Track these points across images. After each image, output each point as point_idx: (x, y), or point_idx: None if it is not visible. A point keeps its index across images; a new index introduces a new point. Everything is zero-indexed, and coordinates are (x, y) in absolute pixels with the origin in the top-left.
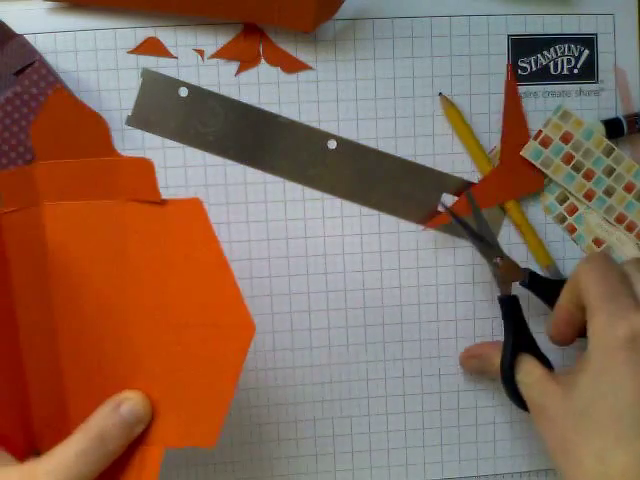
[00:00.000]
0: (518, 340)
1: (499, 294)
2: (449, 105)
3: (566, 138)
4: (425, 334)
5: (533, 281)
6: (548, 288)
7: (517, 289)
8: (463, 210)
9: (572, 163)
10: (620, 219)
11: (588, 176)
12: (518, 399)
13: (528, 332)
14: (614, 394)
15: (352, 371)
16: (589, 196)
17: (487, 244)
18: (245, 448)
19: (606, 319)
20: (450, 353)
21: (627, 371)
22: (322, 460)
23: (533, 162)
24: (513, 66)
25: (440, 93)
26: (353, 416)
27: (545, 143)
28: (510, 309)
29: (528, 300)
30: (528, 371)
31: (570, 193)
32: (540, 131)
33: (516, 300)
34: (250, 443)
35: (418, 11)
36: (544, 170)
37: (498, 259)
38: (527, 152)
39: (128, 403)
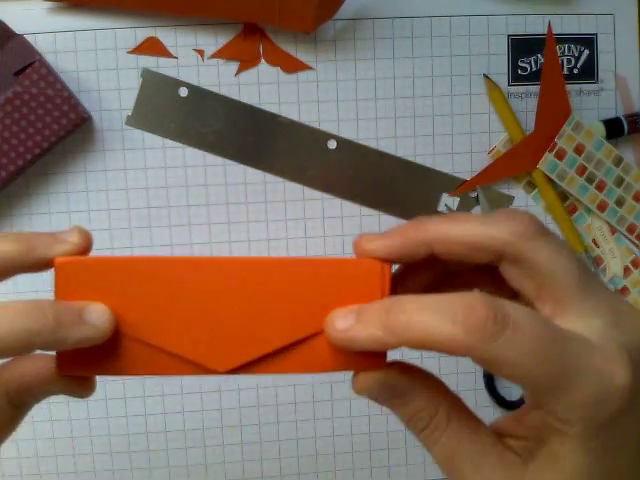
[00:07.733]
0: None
1: None
2: (493, 87)
3: (579, 149)
4: None
5: None
6: None
7: None
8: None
9: (585, 175)
10: (631, 229)
11: (600, 187)
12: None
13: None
14: None
15: None
16: (602, 207)
17: None
18: (246, 448)
19: (601, 362)
20: None
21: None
22: (323, 460)
23: (549, 175)
24: (513, 66)
25: (485, 75)
26: (353, 416)
27: (560, 156)
28: None
29: None
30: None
31: (582, 203)
32: (555, 143)
33: None
34: (251, 443)
35: (418, 11)
36: (559, 183)
37: None
38: (543, 165)
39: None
